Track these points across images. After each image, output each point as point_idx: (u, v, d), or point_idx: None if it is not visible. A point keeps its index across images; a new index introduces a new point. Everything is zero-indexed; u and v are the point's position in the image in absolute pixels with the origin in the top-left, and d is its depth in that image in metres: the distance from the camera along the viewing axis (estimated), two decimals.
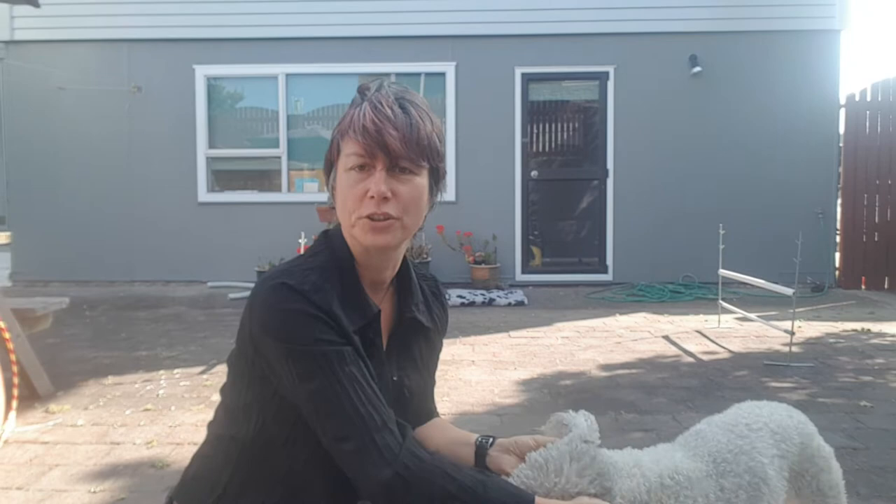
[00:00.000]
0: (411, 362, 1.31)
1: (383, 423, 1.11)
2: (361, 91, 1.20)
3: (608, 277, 7.78)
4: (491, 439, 1.32)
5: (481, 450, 1.30)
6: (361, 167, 1.15)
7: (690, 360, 4.41)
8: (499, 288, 7.36)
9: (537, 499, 1.10)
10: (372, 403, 1.12)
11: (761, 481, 1.29)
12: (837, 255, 7.80)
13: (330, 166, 1.23)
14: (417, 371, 1.32)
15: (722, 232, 5.20)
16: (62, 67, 7.70)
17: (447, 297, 1.42)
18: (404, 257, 1.29)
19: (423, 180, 1.18)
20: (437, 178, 1.22)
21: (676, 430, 1.40)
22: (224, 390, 1.31)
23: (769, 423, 1.39)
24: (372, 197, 1.13)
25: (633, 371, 4.14)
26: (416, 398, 1.32)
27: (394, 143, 1.12)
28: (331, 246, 1.24)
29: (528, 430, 2.87)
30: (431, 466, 1.10)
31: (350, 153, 1.16)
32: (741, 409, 1.46)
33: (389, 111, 1.13)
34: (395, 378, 1.26)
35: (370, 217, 1.15)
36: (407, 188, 1.15)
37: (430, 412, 1.45)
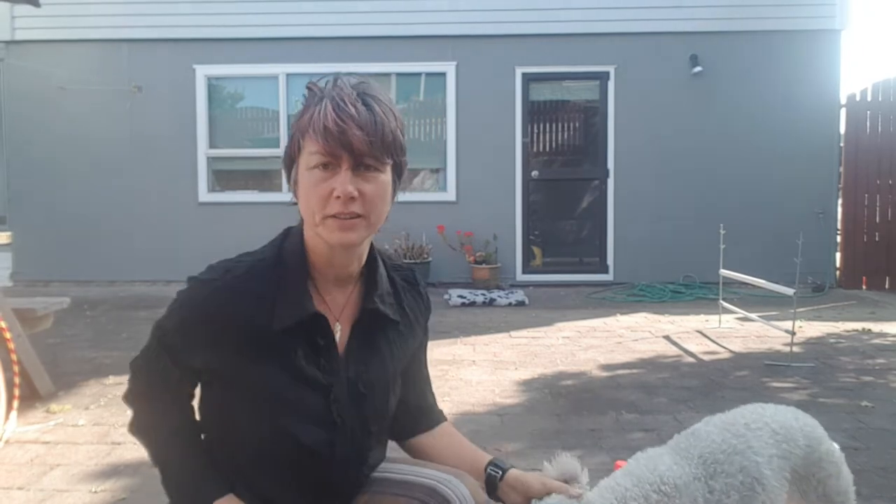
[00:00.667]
0: (376, 355, 1.28)
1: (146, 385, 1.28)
2: (313, 88, 1.16)
3: (609, 277, 7.78)
4: (501, 472, 1.31)
5: (492, 481, 1.31)
6: (325, 166, 1.13)
7: (691, 360, 4.41)
8: (499, 288, 7.36)
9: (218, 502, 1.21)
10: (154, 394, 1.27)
11: (755, 481, 1.26)
12: (838, 254, 7.79)
13: (291, 162, 1.20)
14: (383, 364, 1.29)
15: (722, 232, 5.20)
16: (63, 67, 7.69)
17: (426, 287, 1.43)
18: (372, 248, 1.29)
19: (387, 177, 1.17)
20: (399, 172, 1.22)
21: (677, 430, 1.39)
22: None
23: (770, 423, 1.36)
24: (338, 197, 1.12)
25: (634, 371, 4.14)
26: (377, 393, 1.29)
27: (358, 142, 1.10)
28: (282, 244, 1.24)
29: (530, 431, 2.85)
30: (148, 429, 1.30)
31: (313, 152, 1.13)
32: (744, 409, 1.43)
33: (352, 109, 1.10)
34: (350, 375, 1.24)
35: (336, 216, 1.14)
36: (372, 186, 1.14)
37: (428, 409, 1.45)
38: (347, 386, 1.24)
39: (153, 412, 1.28)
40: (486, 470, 1.33)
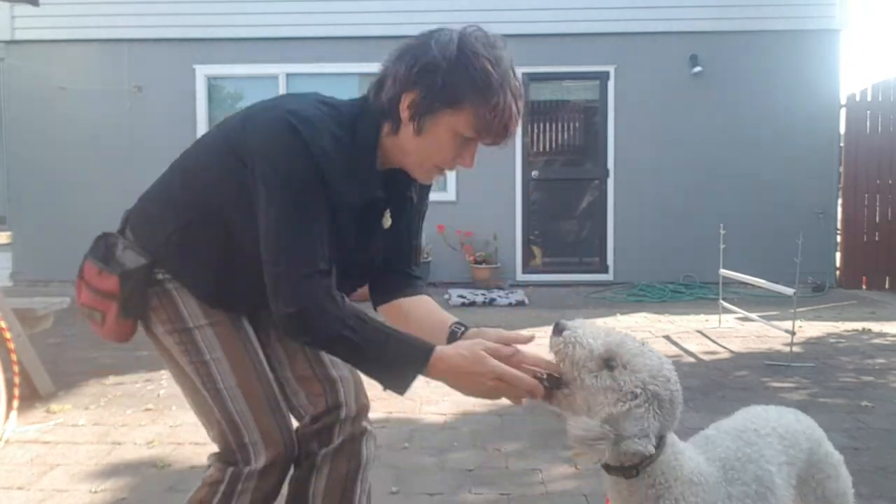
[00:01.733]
0: (395, 233, 1.54)
1: (309, 265, 1.28)
2: (495, 63, 1.34)
3: (609, 277, 7.77)
4: (463, 328, 1.49)
5: (452, 336, 1.47)
6: (467, 139, 1.33)
7: (691, 359, 4.41)
8: (499, 288, 7.36)
9: (437, 349, 1.27)
10: (310, 245, 1.29)
11: (768, 490, 1.27)
12: (838, 254, 7.80)
13: (434, 98, 1.29)
14: (398, 238, 1.56)
15: (722, 232, 5.20)
16: (63, 67, 7.69)
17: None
18: None
19: None
20: None
21: (677, 431, 1.40)
22: (189, 157, 1.47)
23: (777, 429, 1.37)
24: (458, 163, 1.37)
25: None
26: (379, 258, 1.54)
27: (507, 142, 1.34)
28: (356, 130, 1.37)
29: (530, 431, 2.84)
30: (334, 317, 1.27)
31: (471, 127, 1.31)
32: (749, 414, 1.44)
33: (522, 107, 1.33)
34: (370, 248, 1.48)
35: (442, 169, 1.39)
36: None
37: (413, 278, 1.64)
38: (369, 254, 1.49)
39: (337, 304, 1.31)
40: (450, 327, 1.49)
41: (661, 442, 1.15)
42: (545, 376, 1.22)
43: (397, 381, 1.29)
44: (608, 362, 1.15)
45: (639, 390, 1.12)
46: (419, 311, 1.56)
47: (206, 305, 1.43)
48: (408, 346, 1.29)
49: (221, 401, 1.43)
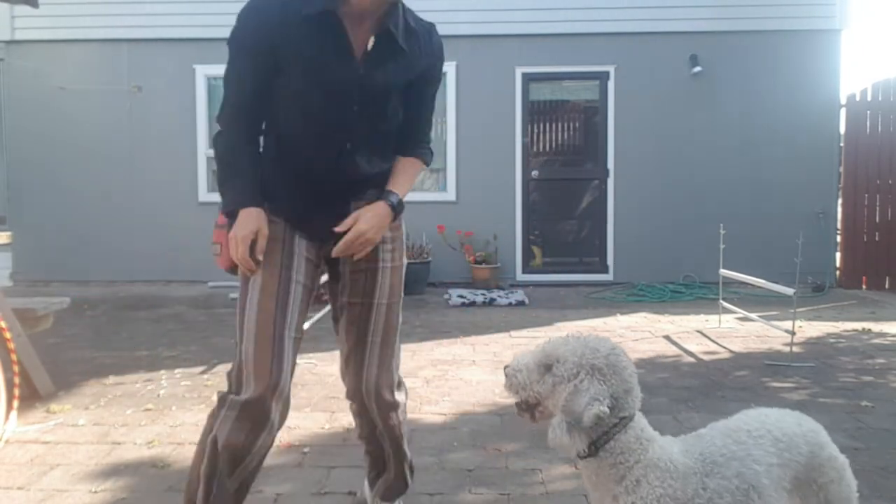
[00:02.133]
0: (381, 71, 1.71)
1: (230, 103, 1.72)
2: None
3: (609, 277, 7.77)
4: (370, 201, 1.80)
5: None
6: None
7: (691, 359, 4.40)
8: (499, 288, 7.36)
9: (246, 207, 1.67)
10: (236, 89, 1.71)
11: (751, 488, 1.28)
12: (838, 254, 7.79)
13: None
14: (386, 78, 1.72)
15: (723, 232, 5.20)
16: (62, 67, 7.69)
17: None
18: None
19: None
20: None
21: (677, 430, 1.41)
22: None
23: (773, 431, 1.37)
24: None
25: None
26: (379, 97, 1.73)
27: None
28: None
29: (530, 431, 2.85)
30: (225, 139, 1.73)
31: None
32: (748, 416, 1.44)
33: None
34: (362, 73, 1.69)
35: None
36: None
37: (406, 139, 1.86)
38: (359, 83, 1.70)
39: (237, 122, 1.73)
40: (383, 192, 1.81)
41: (623, 419, 1.28)
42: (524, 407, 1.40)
43: (223, 200, 1.74)
44: (546, 367, 1.32)
45: (576, 370, 1.28)
46: (390, 171, 1.86)
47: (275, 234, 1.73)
48: (239, 190, 1.71)
49: (242, 339, 1.69)
